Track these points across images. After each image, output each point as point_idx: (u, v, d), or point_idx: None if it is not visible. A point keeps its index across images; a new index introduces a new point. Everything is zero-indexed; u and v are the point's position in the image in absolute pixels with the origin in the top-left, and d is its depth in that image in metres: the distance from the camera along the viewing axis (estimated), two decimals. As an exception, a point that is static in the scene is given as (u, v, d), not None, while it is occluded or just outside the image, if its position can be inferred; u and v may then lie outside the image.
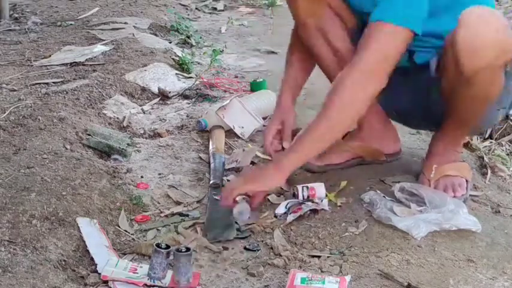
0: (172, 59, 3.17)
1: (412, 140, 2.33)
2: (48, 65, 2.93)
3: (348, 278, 1.54)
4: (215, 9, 4.62)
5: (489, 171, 2.15)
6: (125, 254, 1.68)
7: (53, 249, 1.60)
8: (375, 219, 1.78)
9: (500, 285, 1.57)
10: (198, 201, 1.96)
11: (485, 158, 2.22)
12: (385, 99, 1.94)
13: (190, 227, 1.82)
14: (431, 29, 1.77)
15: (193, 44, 3.63)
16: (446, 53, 1.74)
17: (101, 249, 1.64)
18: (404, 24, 1.71)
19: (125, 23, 3.68)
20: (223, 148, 2.24)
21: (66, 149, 2.09)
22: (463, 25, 1.64)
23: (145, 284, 1.52)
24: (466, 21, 1.64)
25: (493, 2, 1.87)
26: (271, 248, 1.71)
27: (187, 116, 2.59)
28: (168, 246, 1.53)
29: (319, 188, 1.91)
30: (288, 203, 1.88)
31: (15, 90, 2.59)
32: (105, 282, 1.53)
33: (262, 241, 1.75)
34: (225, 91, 2.87)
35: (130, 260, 1.63)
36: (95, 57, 3.02)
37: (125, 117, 2.51)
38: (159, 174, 2.11)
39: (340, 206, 1.89)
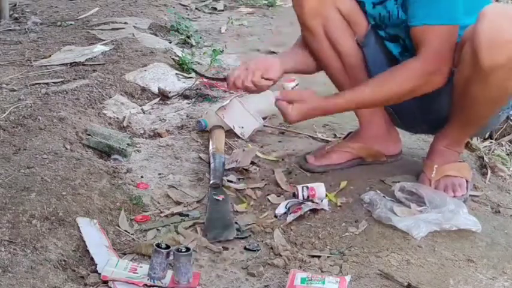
0: (172, 59, 3.17)
1: (412, 140, 2.33)
2: (48, 65, 2.93)
3: (348, 278, 1.54)
4: (215, 9, 4.62)
5: (489, 171, 2.15)
6: (125, 254, 1.68)
7: (53, 249, 1.60)
8: (375, 219, 1.78)
9: (500, 285, 1.57)
10: (198, 201, 1.95)
11: (485, 158, 2.22)
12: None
13: (190, 227, 1.82)
14: None
15: (193, 44, 3.63)
16: (463, 48, 1.73)
17: (101, 249, 1.64)
18: (449, 22, 1.75)
19: (125, 23, 3.68)
20: (223, 148, 2.24)
21: (66, 149, 2.09)
22: (484, 19, 1.63)
23: (145, 284, 1.52)
24: (488, 16, 1.63)
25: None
26: (271, 248, 1.71)
27: (187, 116, 2.59)
28: (168, 246, 1.53)
29: (319, 188, 1.91)
30: (288, 203, 1.88)
31: (15, 90, 2.59)
32: (105, 282, 1.53)
33: (262, 241, 1.75)
34: (225, 91, 2.86)
35: (131, 260, 1.63)
36: (95, 57, 3.02)
37: (124, 117, 2.51)
38: (159, 174, 2.11)
39: (340, 206, 1.89)
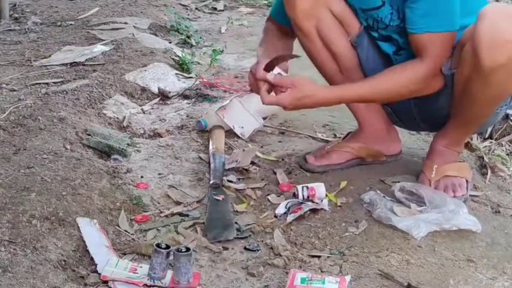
0: (172, 59, 3.17)
1: (412, 140, 2.33)
2: (48, 65, 2.93)
3: (348, 278, 1.54)
4: (215, 9, 4.62)
5: (489, 171, 2.15)
6: (125, 254, 1.68)
7: (53, 249, 1.60)
8: (375, 219, 1.78)
9: (500, 285, 1.57)
10: (198, 201, 1.95)
11: (485, 158, 2.22)
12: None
13: (190, 227, 1.82)
14: None
15: (193, 44, 3.63)
16: (464, 48, 1.74)
17: (101, 249, 1.64)
18: (450, 28, 1.76)
19: (125, 23, 3.67)
20: (223, 148, 2.24)
21: (66, 149, 2.09)
22: (485, 19, 1.63)
23: (145, 284, 1.52)
24: (488, 16, 1.63)
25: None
26: (271, 248, 1.71)
27: (187, 116, 2.59)
28: (168, 246, 1.53)
29: (319, 188, 1.91)
30: (288, 203, 1.88)
31: (15, 90, 2.59)
32: (105, 282, 1.53)
33: (262, 241, 1.75)
34: (225, 91, 2.86)
35: (130, 260, 1.63)
36: (95, 57, 3.02)
37: (124, 117, 2.51)
38: (159, 174, 2.11)
39: (340, 206, 1.89)
